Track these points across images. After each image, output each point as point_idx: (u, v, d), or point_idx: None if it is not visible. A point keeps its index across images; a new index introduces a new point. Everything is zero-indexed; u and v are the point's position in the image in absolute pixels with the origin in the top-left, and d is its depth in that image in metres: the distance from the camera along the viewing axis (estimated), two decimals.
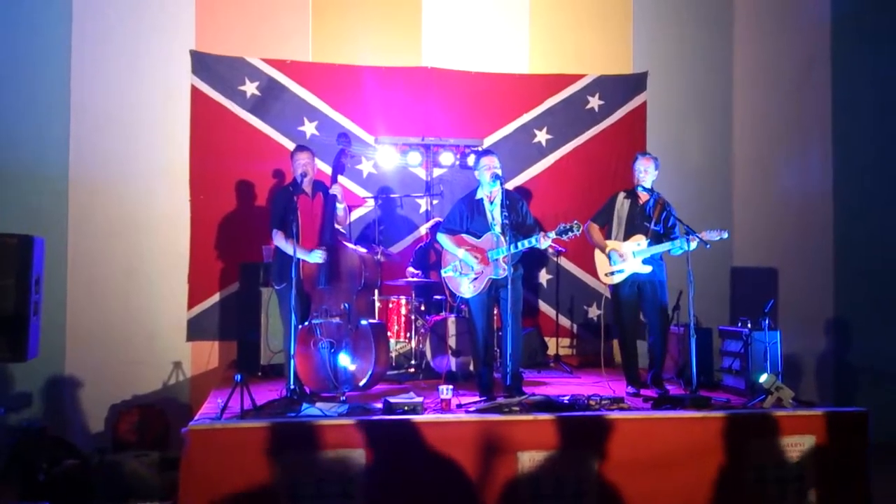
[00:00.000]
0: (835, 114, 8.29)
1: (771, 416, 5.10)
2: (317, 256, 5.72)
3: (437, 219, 7.61)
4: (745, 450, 4.97)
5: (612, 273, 6.13)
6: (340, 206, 5.95)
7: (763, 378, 5.51)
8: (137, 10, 7.77)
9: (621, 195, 6.29)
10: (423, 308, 7.35)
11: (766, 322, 5.91)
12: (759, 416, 5.13)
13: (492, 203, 5.84)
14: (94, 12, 7.65)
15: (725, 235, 5.89)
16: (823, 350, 8.06)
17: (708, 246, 5.77)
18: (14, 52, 7.37)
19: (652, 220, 6.08)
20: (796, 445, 5.04)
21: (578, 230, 5.47)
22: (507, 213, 5.60)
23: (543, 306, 8.39)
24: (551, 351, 8.05)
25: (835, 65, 8.34)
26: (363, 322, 5.76)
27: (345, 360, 5.60)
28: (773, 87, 8.71)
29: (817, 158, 8.45)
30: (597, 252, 6.28)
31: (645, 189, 6.11)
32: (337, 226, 6.01)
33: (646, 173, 6.13)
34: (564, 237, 5.51)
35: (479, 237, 5.84)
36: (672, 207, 6.13)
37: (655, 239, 6.05)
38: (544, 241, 5.57)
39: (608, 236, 6.25)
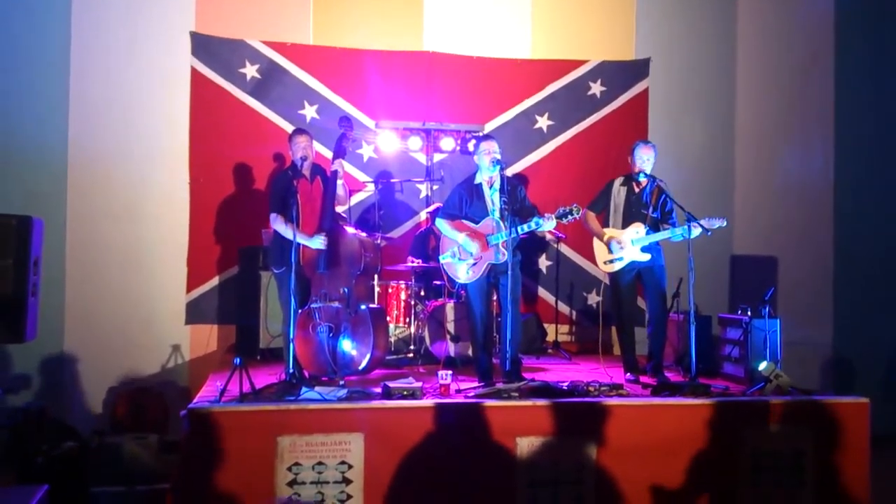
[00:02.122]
0: (837, 103, 8.26)
1: (770, 404, 5.10)
2: (318, 242, 5.69)
3: (437, 204, 7.59)
4: (743, 438, 4.97)
5: (612, 261, 6.11)
6: (340, 183, 5.91)
7: (762, 366, 5.51)
8: None
9: (617, 182, 6.26)
10: (422, 293, 7.34)
11: (766, 310, 5.90)
12: (758, 404, 5.13)
13: (491, 188, 5.82)
14: None
15: (724, 223, 5.86)
16: (823, 338, 8.06)
17: (709, 233, 5.75)
18: (13, 33, 7.32)
19: (650, 206, 6.06)
20: (794, 434, 5.04)
21: (578, 213, 5.46)
22: (506, 199, 5.58)
23: (543, 292, 8.38)
24: (550, 337, 8.05)
25: (838, 55, 8.31)
26: (362, 307, 5.75)
27: (344, 345, 5.60)
28: (776, 75, 8.68)
29: (818, 147, 8.43)
30: (595, 240, 6.25)
31: (644, 175, 6.09)
32: (338, 206, 5.98)
33: (647, 162, 6.10)
34: (564, 220, 5.49)
35: (477, 222, 5.82)
36: (669, 192, 6.10)
37: (654, 226, 6.03)
38: (546, 224, 5.55)
39: (605, 224, 6.23)
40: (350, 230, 5.91)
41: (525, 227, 5.57)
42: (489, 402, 4.88)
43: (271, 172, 7.72)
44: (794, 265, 8.29)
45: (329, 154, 6.16)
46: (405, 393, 4.91)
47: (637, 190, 6.16)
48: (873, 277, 7.94)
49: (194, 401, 4.95)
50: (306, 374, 5.71)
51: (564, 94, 8.53)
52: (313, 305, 5.73)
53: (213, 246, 7.75)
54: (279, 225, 5.76)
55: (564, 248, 8.33)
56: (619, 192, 6.21)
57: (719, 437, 4.95)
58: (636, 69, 8.64)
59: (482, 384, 5.50)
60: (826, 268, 8.20)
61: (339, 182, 5.91)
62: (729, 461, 4.95)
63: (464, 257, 5.81)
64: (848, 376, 7.85)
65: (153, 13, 7.75)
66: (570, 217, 5.46)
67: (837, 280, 8.14)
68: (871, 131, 8.13)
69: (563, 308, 8.34)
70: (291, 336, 5.36)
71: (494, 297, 6.08)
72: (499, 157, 5.77)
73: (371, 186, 7.94)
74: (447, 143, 8.07)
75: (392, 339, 7.03)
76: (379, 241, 6.82)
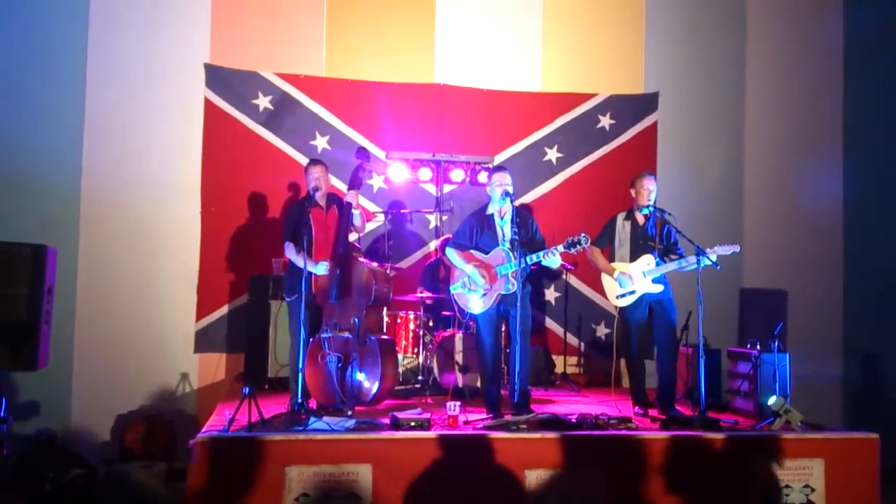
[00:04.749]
0: (846, 135, 8.30)
1: (779, 438, 5.08)
2: (322, 268, 5.72)
3: (447, 235, 7.61)
4: (752, 472, 4.94)
5: (624, 295, 6.09)
6: (356, 213, 5.93)
7: (772, 400, 5.48)
8: (153, 23, 7.85)
9: (621, 217, 6.24)
10: (431, 324, 7.34)
11: (776, 344, 5.89)
12: (768, 438, 5.10)
13: (502, 219, 5.85)
14: (111, 25, 7.72)
15: (737, 249, 5.84)
16: (833, 373, 8.02)
17: (719, 267, 5.73)
18: (31, 62, 7.45)
19: (656, 238, 6.07)
20: (805, 469, 5.01)
21: (587, 242, 5.44)
22: (516, 230, 5.60)
23: (551, 324, 8.38)
24: (559, 369, 8.04)
25: (846, 86, 8.35)
26: (371, 338, 5.76)
27: (352, 375, 5.59)
28: (785, 109, 8.72)
29: (828, 180, 8.45)
30: (604, 276, 6.23)
31: (645, 208, 6.09)
32: (354, 234, 6.01)
33: (650, 193, 6.07)
34: (572, 250, 5.49)
35: (487, 253, 5.83)
36: (673, 223, 6.07)
37: (662, 257, 6.03)
38: (555, 256, 5.56)
39: (610, 259, 6.20)
40: (363, 261, 5.93)
41: (534, 257, 5.57)
42: (497, 434, 4.88)
43: (285, 202, 7.78)
44: (803, 298, 8.27)
45: (340, 184, 6.18)
46: (413, 424, 4.90)
47: (641, 222, 6.16)
48: (884, 311, 7.90)
49: (203, 430, 4.95)
50: (314, 403, 5.70)
51: (574, 127, 8.59)
52: (323, 335, 5.74)
53: (224, 274, 7.80)
54: (291, 253, 5.80)
55: (573, 280, 8.33)
56: (623, 227, 6.20)
57: (729, 471, 4.92)
58: (645, 103, 8.70)
59: (491, 416, 5.47)
60: (836, 301, 8.18)
61: (357, 212, 5.94)
62: (739, 496, 4.91)
63: (474, 288, 5.82)
64: (858, 411, 7.80)
65: (168, 44, 7.87)
66: (577, 247, 5.46)
67: (847, 314, 8.11)
68: (881, 163, 8.13)
69: (572, 339, 8.33)
70: (300, 366, 5.37)
71: (503, 329, 6.07)
72: (510, 189, 5.80)
73: (381, 217, 7.97)
74: (457, 175, 8.09)
75: (400, 370, 7.01)
76: (389, 272, 6.84)
